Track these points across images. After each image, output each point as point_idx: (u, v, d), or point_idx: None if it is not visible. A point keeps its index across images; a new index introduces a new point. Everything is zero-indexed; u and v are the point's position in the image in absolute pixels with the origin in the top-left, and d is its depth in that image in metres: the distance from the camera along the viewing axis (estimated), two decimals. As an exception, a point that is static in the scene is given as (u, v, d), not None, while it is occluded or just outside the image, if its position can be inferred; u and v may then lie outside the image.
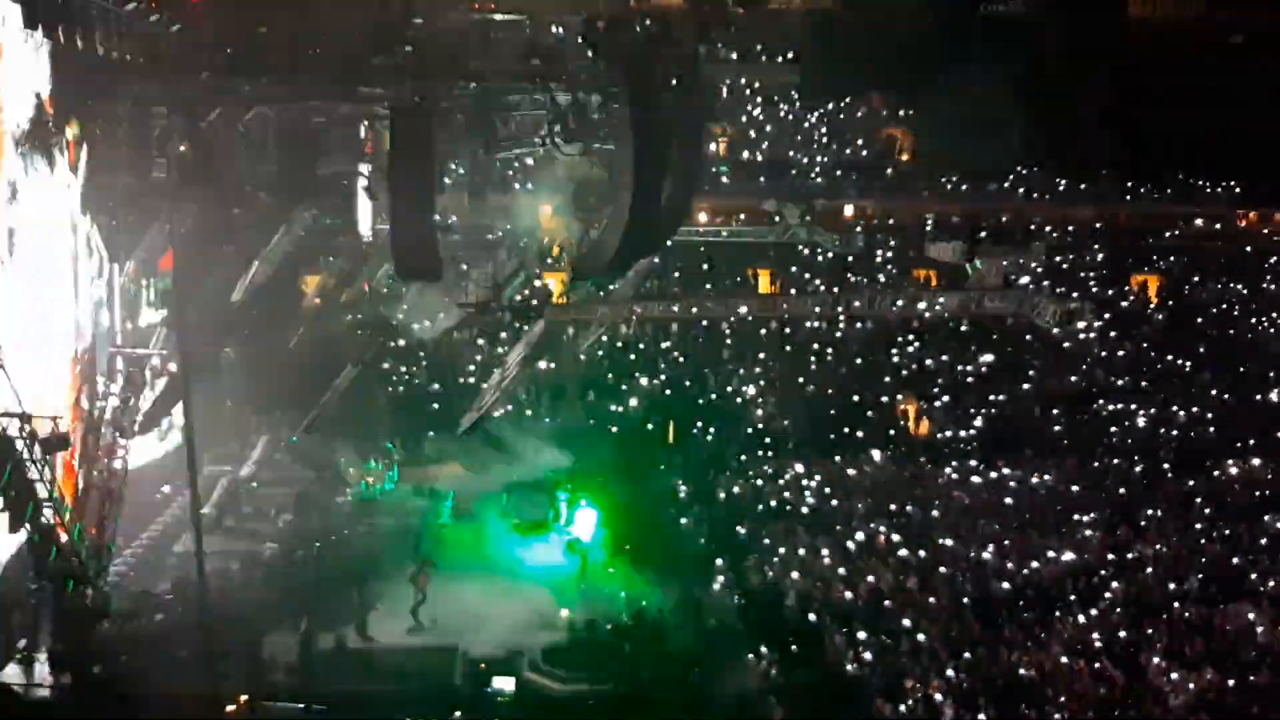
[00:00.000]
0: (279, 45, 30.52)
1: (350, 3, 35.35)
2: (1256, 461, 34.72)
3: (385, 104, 29.83)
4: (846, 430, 37.40)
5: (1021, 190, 53.20)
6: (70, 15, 25.37)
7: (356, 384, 36.85)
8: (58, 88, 26.26)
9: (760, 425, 37.80)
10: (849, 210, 52.47)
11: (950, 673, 22.60)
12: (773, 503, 31.89)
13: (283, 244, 38.09)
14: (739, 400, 39.44)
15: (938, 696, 21.85)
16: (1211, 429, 37.82)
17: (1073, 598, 25.97)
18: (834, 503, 31.91)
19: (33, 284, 25.11)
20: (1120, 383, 40.47)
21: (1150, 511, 31.19)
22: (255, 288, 37.38)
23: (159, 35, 29.80)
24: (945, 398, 39.29)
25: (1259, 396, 39.42)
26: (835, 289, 44.64)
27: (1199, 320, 45.19)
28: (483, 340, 41.68)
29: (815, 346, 42.34)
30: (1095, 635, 24.26)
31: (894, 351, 41.86)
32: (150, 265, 33.61)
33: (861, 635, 24.14)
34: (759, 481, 33.52)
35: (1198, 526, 30.24)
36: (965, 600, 25.84)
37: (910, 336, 42.40)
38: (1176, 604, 25.73)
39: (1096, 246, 49.58)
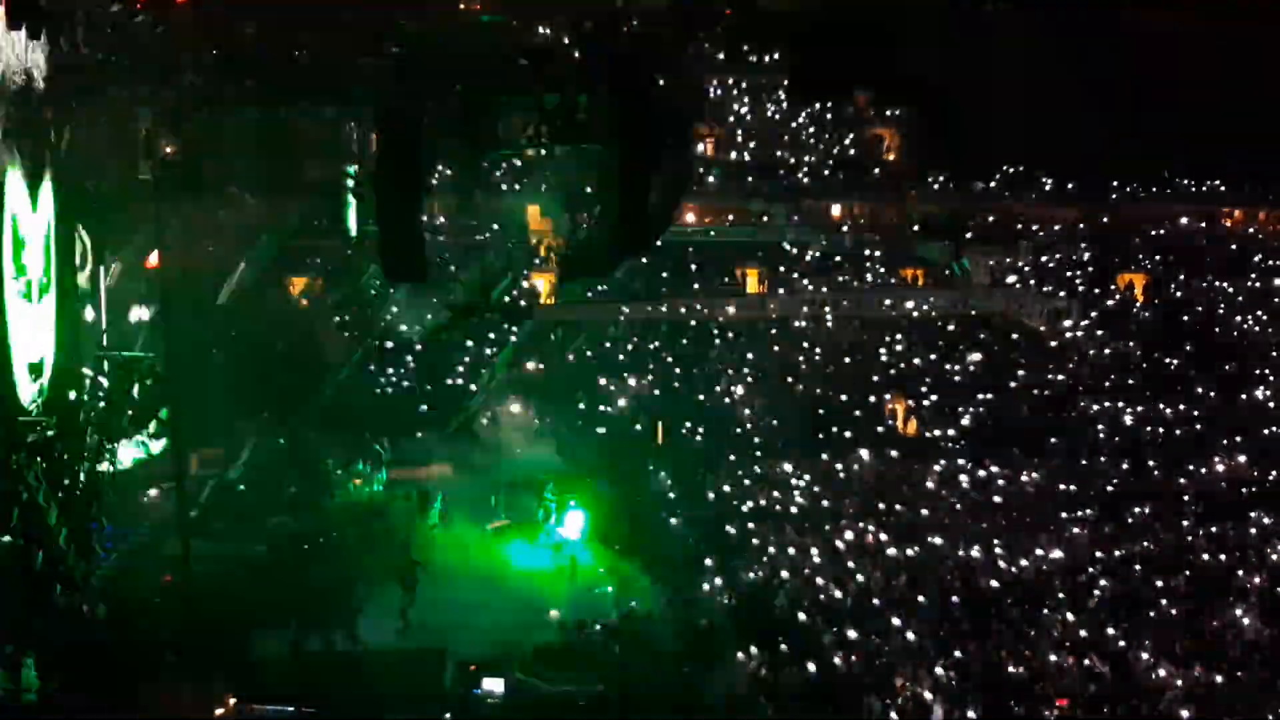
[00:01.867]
0: (265, 46, 30.43)
1: (337, 4, 35.25)
2: (1243, 459, 34.91)
3: (372, 105, 29.74)
4: (835, 429, 37.46)
5: (1008, 189, 53.30)
6: (54, 15, 25.20)
7: (345, 385, 36.77)
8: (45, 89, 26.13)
9: (749, 425, 37.82)
10: (836, 210, 52.47)
11: (940, 671, 22.65)
12: (761, 502, 31.92)
13: (269, 245, 38.04)
14: (727, 400, 39.46)
15: (927, 695, 21.91)
16: (1198, 427, 38.00)
17: (1061, 595, 26.08)
18: (823, 502, 31.98)
19: (16, 288, 24.97)
20: (1108, 381, 40.61)
21: (1138, 509, 31.34)
22: (242, 289, 37.31)
23: (144, 35, 29.65)
24: (933, 397, 39.37)
25: (1245, 395, 39.61)
26: (823, 288, 44.67)
27: (1186, 318, 45.36)
28: (471, 341, 41.59)
29: (803, 346, 42.38)
30: (1084, 633, 24.38)
31: (882, 351, 41.93)
32: (138, 265, 33.46)
33: (851, 634, 24.18)
34: (748, 481, 33.55)
35: (1185, 524, 30.39)
36: (954, 598, 25.91)
37: (898, 335, 42.49)
38: (1164, 601, 25.85)
39: (1083, 245, 49.70)
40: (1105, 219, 52.73)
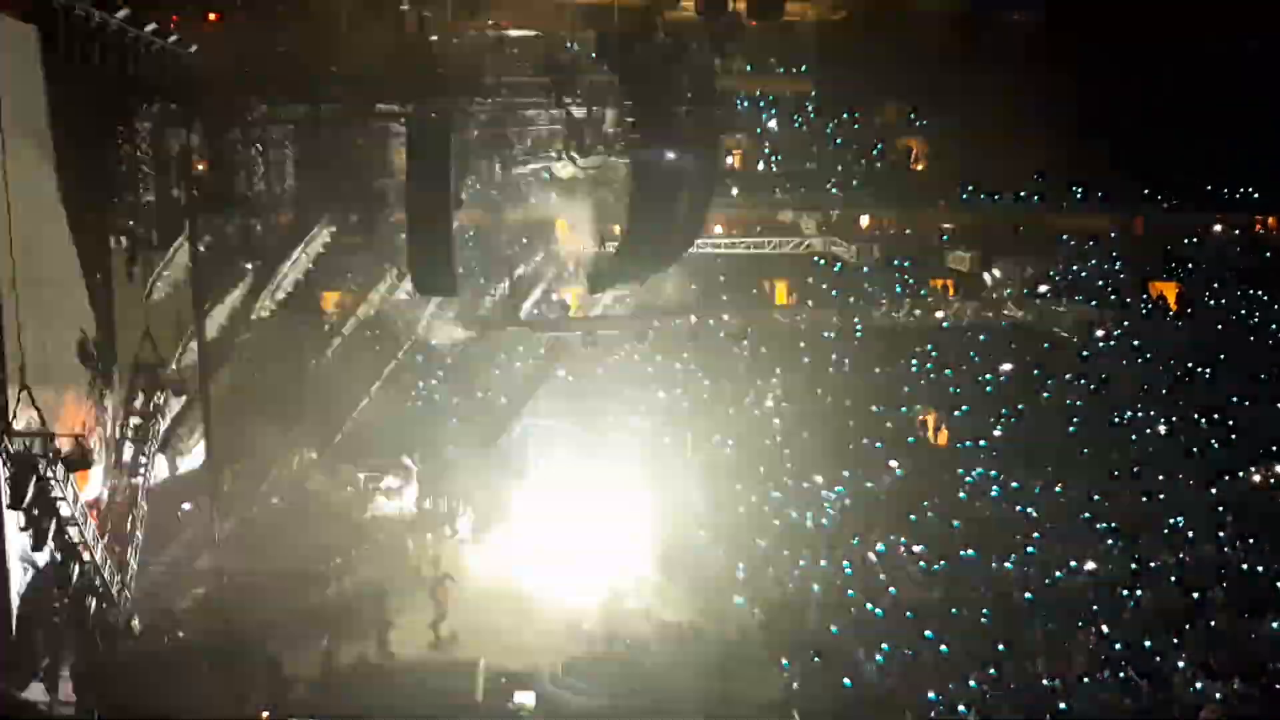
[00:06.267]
0: (296, 65, 30.74)
1: (367, 21, 35.55)
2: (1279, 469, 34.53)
3: (402, 121, 29.98)
4: (865, 441, 37.34)
5: (1038, 198, 52.95)
6: (89, 37, 25.60)
7: (376, 398, 36.94)
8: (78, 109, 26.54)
9: (779, 436, 37.71)
10: (865, 220, 52.28)
11: (974, 684, 22.49)
12: (792, 514, 31.81)
13: (302, 261, 38.29)
14: (757, 412, 39.38)
15: (961, 708, 21.75)
16: (1233, 436, 37.62)
17: (1096, 608, 25.84)
18: (854, 514, 31.83)
19: (55, 302, 25.34)
20: (1141, 391, 40.26)
21: (1173, 520, 31.04)
22: (275, 304, 37.58)
23: (177, 56, 30.07)
24: (965, 407, 39.15)
25: (1281, 404, 39.18)
26: (852, 299, 44.52)
27: (1220, 327, 44.89)
28: (502, 354, 41.74)
29: (833, 357, 42.25)
30: (1119, 645, 24.13)
31: (912, 361, 41.73)
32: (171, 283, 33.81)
33: (884, 647, 24.05)
34: (778, 493, 33.46)
35: (1221, 535, 30.06)
36: (987, 611, 25.72)
37: (929, 346, 42.28)
38: (1201, 613, 25.57)
39: (1115, 254, 49.29)
40: (1137, 228, 52.33)
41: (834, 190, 52.07)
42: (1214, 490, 33.49)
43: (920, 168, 55.47)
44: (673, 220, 30.53)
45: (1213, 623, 25.10)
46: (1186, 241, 50.93)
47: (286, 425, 36.08)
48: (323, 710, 22.26)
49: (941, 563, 28.29)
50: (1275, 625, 24.91)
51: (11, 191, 22.18)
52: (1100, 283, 46.89)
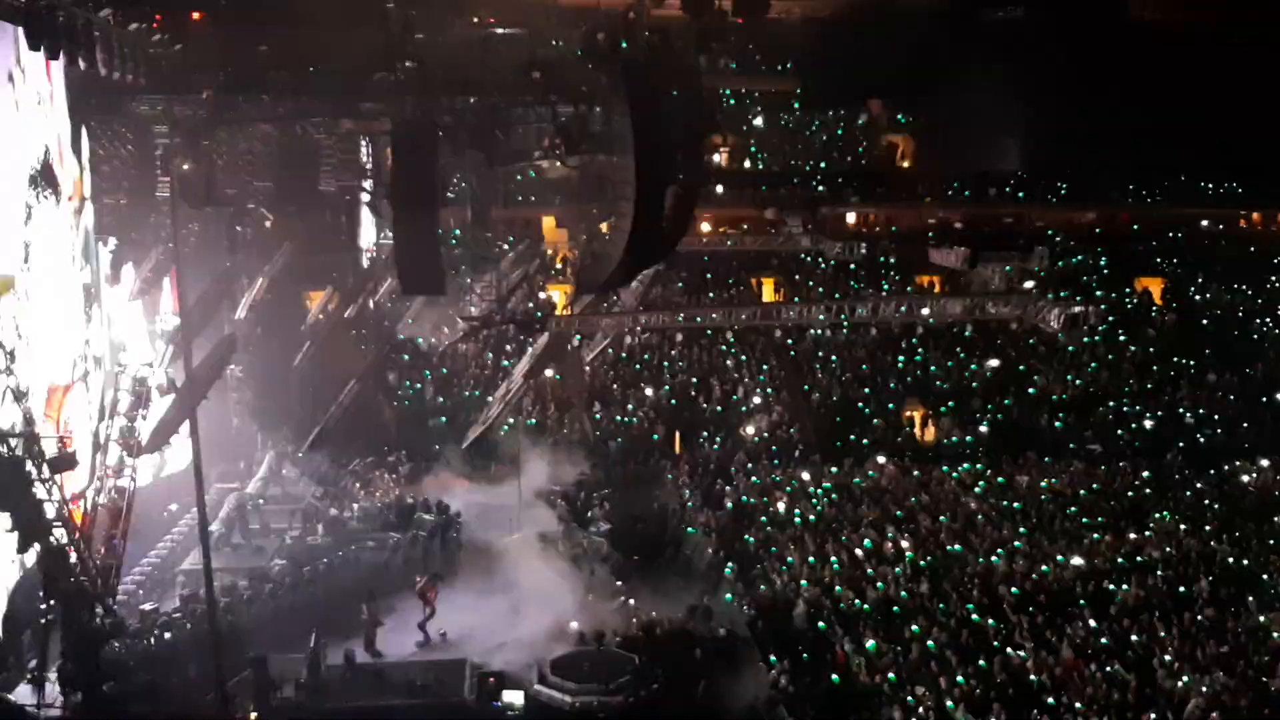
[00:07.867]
0: (281, 63, 30.66)
1: (351, 20, 35.47)
2: (1265, 463, 34.72)
3: (387, 120, 29.94)
4: (852, 437, 37.46)
5: (1023, 194, 53.19)
6: (73, 35, 25.46)
7: (361, 398, 36.90)
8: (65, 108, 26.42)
9: (766, 433, 37.79)
10: (851, 218, 52.53)
11: (961, 679, 22.54)
12: (780, 509, 31.88)
13: (286, 260, 38.24)
14: (744, 409, 39.44)
15: (949, 703, 21.80)
16: (1219, 431, 37.84)
17: (1082, 602, 25.95)
18: (841, 510, 31.90)
19: (42, 303, 25.23)
20: (1126, 386, 40.45)
21: (1159, 514, 31.20)
22: (259, 304, 37.50)
23: (161, 55, 29.95)
24: (951, 403, 39.28)
25: (1266, 398, 39.39)
26: (838, 296, 44.64)
27: (1204, 322, 45.19)
28: (489, 353, 41.72)
29: (820, 354, 42.37)
30: (1105, 639, 24.23)
31: (899, 358, 41.87)
32: (155, 283, 33.71)
33: (871, 643, 24.10)
34: (765, 489, 33.51)
35: (1207, 529, 30.23)
36: (974, 606, 25.80)
37: (915, 342, 42.43)
38: (1187, 607, 25.69)
39: (1100, 250, 49.53)
40: (1122, 223, 52.60)
41: (820, 188, 52.30)
42: (1200, 484, 33.67)
43: (906, 165, 55.72)
44: (660, 218, 30.52)
45: (1200, 616, 25.22)
46: (1171, 236, 51.26)
47: (271, 424, 36.02)
48: (310, 710, 22.20)
49: (929, 558, 28.37)
50: (1261, 619, 25.03)
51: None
52: (1085, 278, 47.16)
